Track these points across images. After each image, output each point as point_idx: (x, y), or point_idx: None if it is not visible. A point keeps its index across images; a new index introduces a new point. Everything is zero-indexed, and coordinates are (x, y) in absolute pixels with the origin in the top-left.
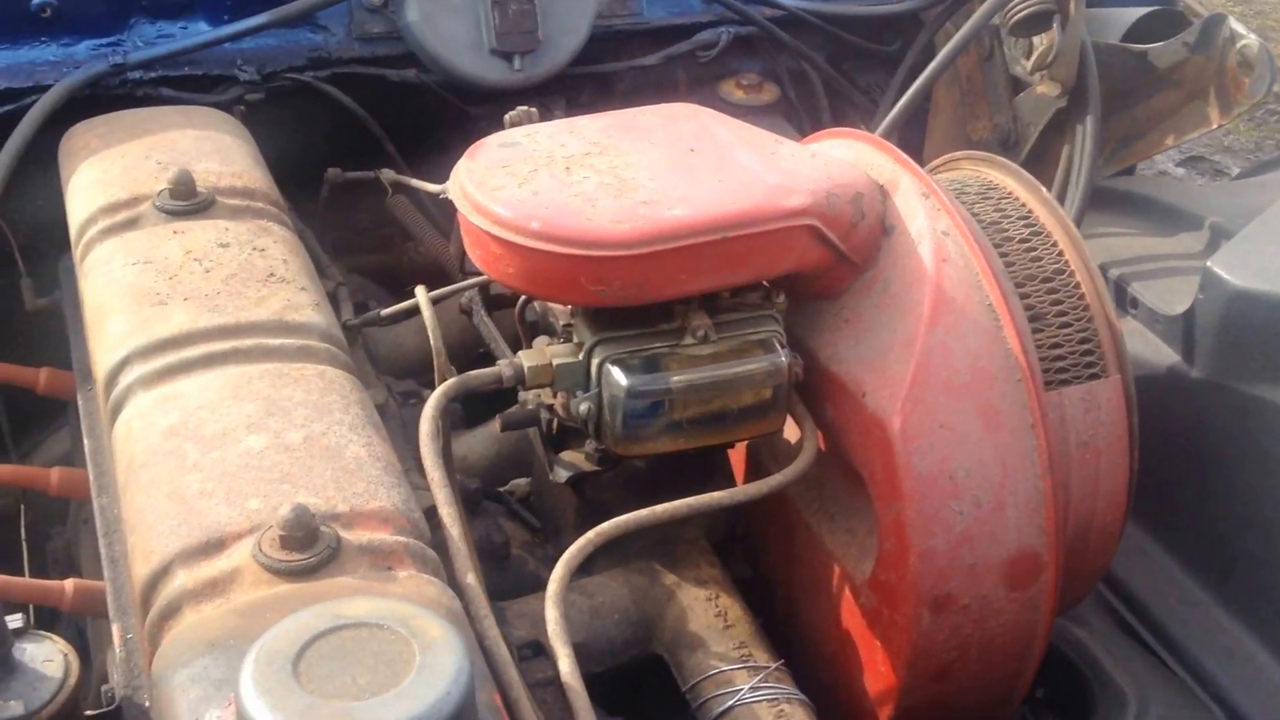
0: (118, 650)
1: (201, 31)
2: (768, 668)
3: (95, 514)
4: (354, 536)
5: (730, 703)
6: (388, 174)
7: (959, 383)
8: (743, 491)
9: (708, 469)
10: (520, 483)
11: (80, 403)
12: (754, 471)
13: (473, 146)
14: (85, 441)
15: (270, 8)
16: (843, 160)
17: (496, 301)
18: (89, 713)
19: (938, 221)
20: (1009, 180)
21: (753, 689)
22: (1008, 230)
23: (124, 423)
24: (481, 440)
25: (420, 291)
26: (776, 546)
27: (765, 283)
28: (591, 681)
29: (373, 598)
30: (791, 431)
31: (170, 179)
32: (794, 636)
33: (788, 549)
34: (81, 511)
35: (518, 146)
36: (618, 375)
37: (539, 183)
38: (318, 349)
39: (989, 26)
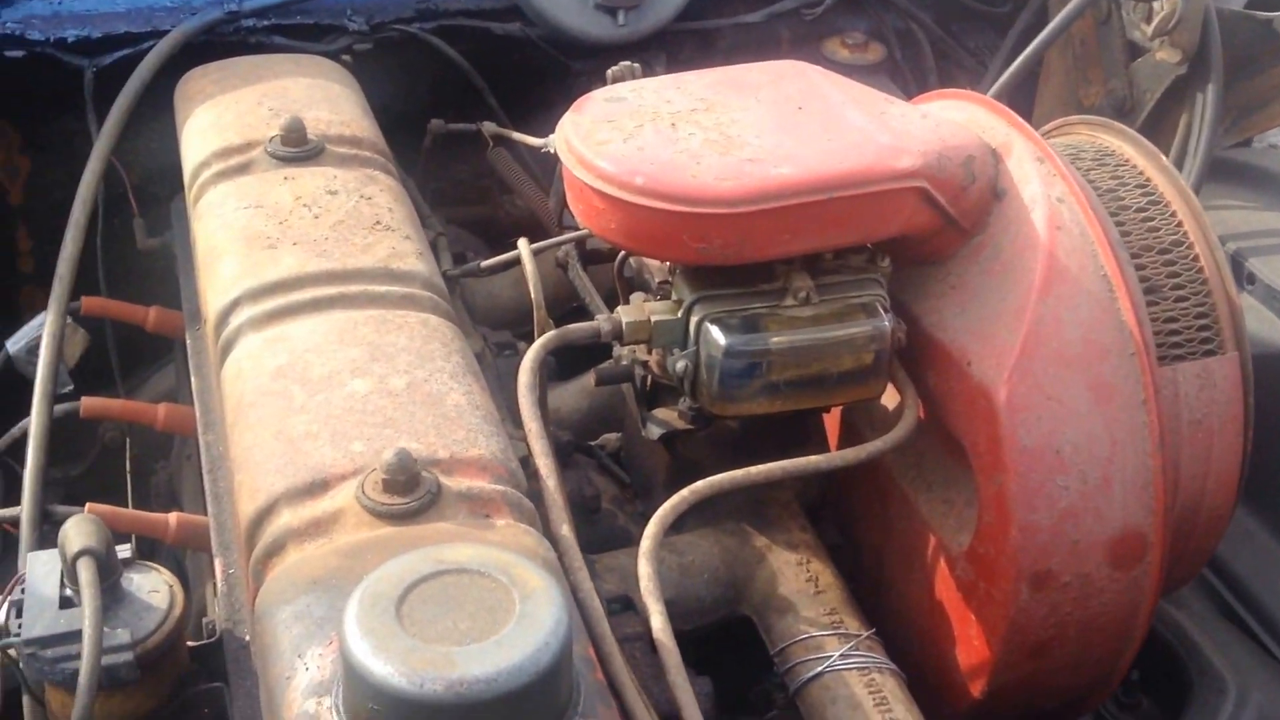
0: (219, 584)
1: None
2: (859, 636)
3: (201, 450)
4: (453, 483)
5: (820, 669)
6: (489, 127)
7: (1069, 354)
8: (840, 457)
9: (802, 432)
10: (611, 438)
11: (189, 342)
12: (849, 437)
13: (578, 101)
14: (192, 380)
15: None
16: (954, 122)
17: (592, 257)
18: (190, 644)
19: (1052, 187)
20: (1126, 147)
21: (843, 656)
22: (1124, 199)
23: (234, 362)
24: (574, 394)
25: (522, 244)
26: (869, 514)
27: (870, 245)
28: (678, 640)
29: (474, 545)
30: (890, 398)
31: (282, 126)
32: (884, 606)
33: (881, 517)
34: (185, 447)
35: (623, 102)
36: (716, 334)
37: (644, 138)
38: (421, 297)
39: None
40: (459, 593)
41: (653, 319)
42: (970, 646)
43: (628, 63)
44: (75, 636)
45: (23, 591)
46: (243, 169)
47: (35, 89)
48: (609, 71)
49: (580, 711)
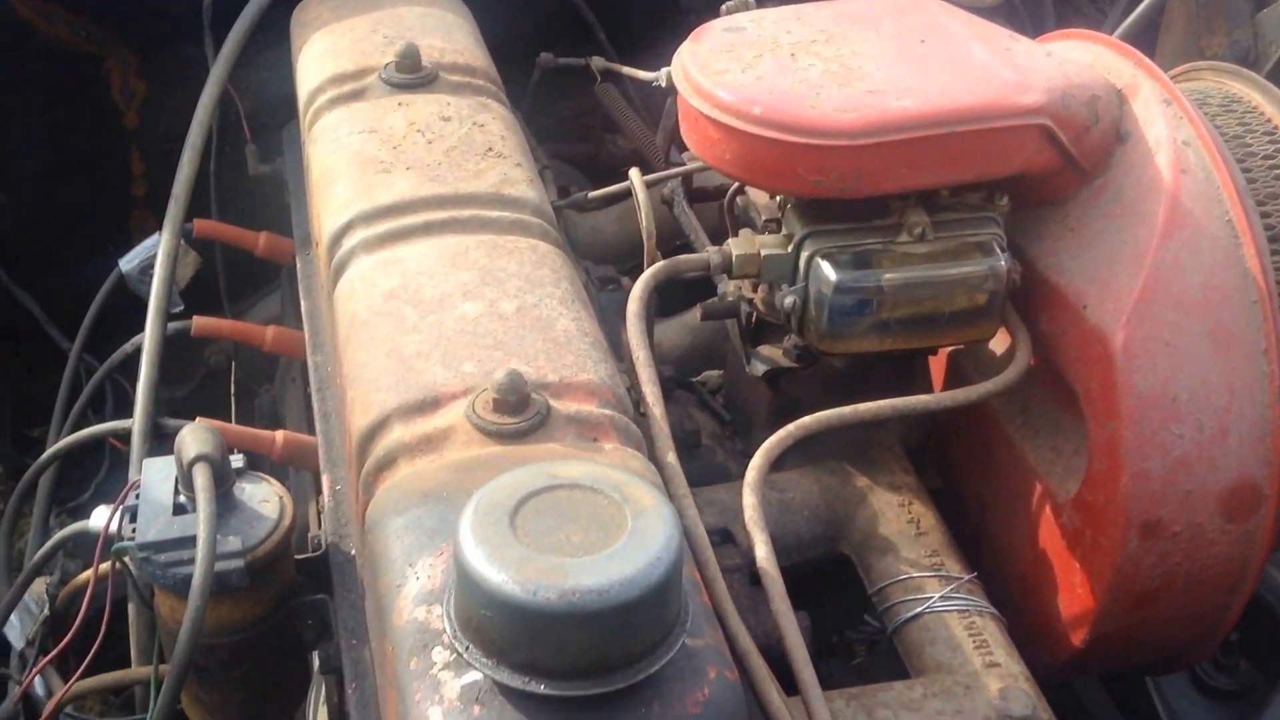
0: (326, 500)
1: None
2: (960, 579)
3: (310, 371)
4: (562, 406)
5: (919, 609)
6: (598, 62)
7: (1190, 300)
8: (949, 397)
9: (908, 373)
10: (712, 375)
11: (299, 266)
12: (955, 379)
13: (696, 30)
14: (302, 303)
15: None
16: (1079, 61)
17: (698, 195)
18: (297, 557)
19: (1178, 130)
20: (1254, 94)
21: (943, 598)
22: (1251, 145)
23: (347, 282)
24: (676, 330)
25: (634, 173)
26: (972, 461)
27: (988, 183)
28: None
29: (586, 462)
30: (998, 342)
31: (397, 53)
32: (984, 553)
33: (985, 464)
34: (289, 370)
35: (743, 32)
36: (827, 270)
37: (763, 68)
38: (531, 223)
39: None
40: (572, 507)
41: (763, 252)
42: (1073, 595)
43: None
44: (189, 542)
45: (137, 498)
46: (357, 95)
47: (154, 13)
48: (724, 6)
49: (688, 630)
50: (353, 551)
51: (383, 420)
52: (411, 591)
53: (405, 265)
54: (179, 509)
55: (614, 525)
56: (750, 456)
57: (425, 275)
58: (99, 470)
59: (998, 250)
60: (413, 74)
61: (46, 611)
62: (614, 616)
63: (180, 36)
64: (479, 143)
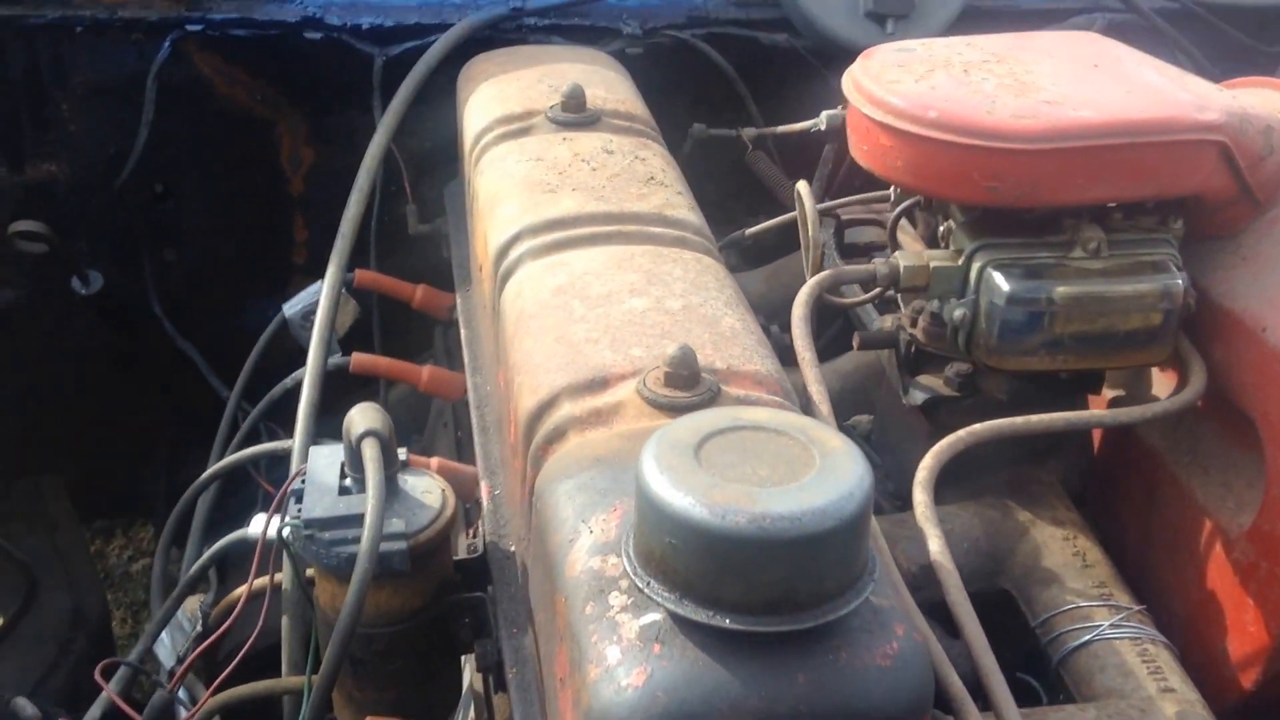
0: (485, 504)
1: None
2: (1130, 609)
3: (470, 391)
4: (731, 391)
5: (1088, 638)
6: (749, 131)
7: None
8: (1124, 413)
9: (1070, 408)
10: (862, 420)
11: (459, 301)
12: (1110, 432)
13: (866, 51)
14: (463, 331)
15: None
16: (1252, 95)
17: (848, 250)
18: (457, 558)
19: None
20: None
21: (1114, 625)
22: None
23: (514, 284)
24: (826, 375)
25: (801, 186)
26: (1134, 502)
27: (1162, 204)
28: (933, 609)
29: (770, 409)
30: (1161, 385)
31: (563, 94)
32: (1147, 595)
33: (1147, 505)
34: (441, 415)
35: (913, 52)
36: (999, 280)
37: (936, 80)
38: (693, 241)
39: None
40: (757, 445)
41: (932, 265)
42: (1245, 634)
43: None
44: (354, 520)
45: (303, 481)
46: (524, 131)
47: (326, 79)
48: (824, 114)
49: (876, 579)
50: (513, 549)
51: (552, 398)
52: (585, 545)
53: (572, 267)
54: (344, 491)
55: (802, 463)
56: (903, 499)
57: (592, 275)
58: (253, 505)
59: (1174, 269)
60: (577, 113)
61: (199, 628)
62: (805, 547)
63: (349, 105)
64: (641, 172)
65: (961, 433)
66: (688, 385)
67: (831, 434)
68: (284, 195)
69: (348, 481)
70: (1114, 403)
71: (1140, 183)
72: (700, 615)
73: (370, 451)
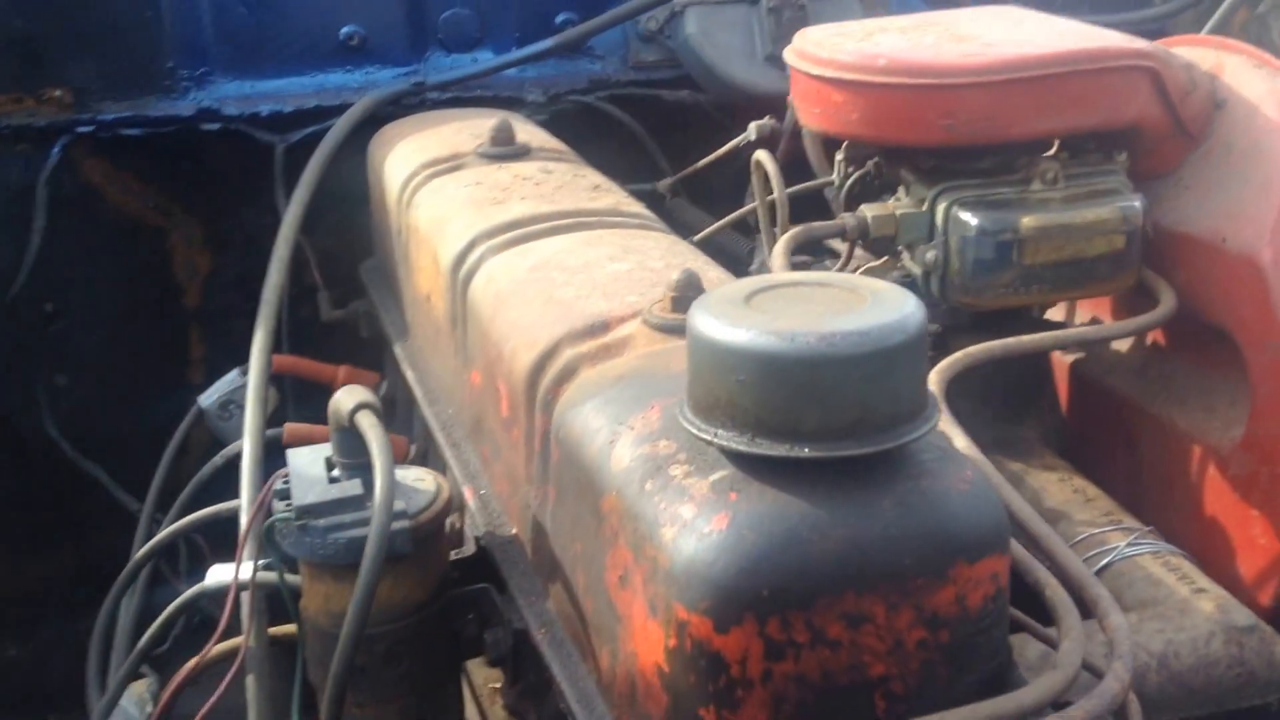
0: (473, 506)
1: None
2: (1143, 529)
3: (429, 421)
4: None
5: (1108, 560)
6: (664, 183)
7: None
8: (1110, 329)
9: (1038, 383)
10: None
11: (398, 350)
12: (1080, 389)
13: (796, 34)
14: (409, 373)
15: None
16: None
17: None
18: (452, 557)
19: (1275, 81)
20: None
21: (1131, 544)
22: None
23: (483, 274)
24: None
25: (761, 154)
26: (1115, 449)
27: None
28: None
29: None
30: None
31: (492, 128)
32: None
33: (1130, 449)
34: None
35: (845, 27)
36: (966, 217)
37: (878, 39)
38: (657, 226)
39: None
40: (806, 294)
41: (898, 212)
42: (1256, 548)
43: (769, 119)
44: (351, 504)
45: (285, 482)
46: (455, 168)
47: (222, 179)
48: (752, 124)
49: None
50: (513, 531)
51: (553, 346)
52: (628, 440)
53: (542, 250)
54: (334, 482)
55: (854, 301)
56: None
57: (565, 253)
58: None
59: (1129, 193)
60: (507, 146)
61: (150, 708)
62: (877, 362)
63: (246, 203)
64: (586, 184)
65: (958, 354)
66: None
67: (880, 283)
68: (179, 308)
69: (336, 472)
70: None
71: (1084, 112)
72: (778, 449)
73: (368, 421)
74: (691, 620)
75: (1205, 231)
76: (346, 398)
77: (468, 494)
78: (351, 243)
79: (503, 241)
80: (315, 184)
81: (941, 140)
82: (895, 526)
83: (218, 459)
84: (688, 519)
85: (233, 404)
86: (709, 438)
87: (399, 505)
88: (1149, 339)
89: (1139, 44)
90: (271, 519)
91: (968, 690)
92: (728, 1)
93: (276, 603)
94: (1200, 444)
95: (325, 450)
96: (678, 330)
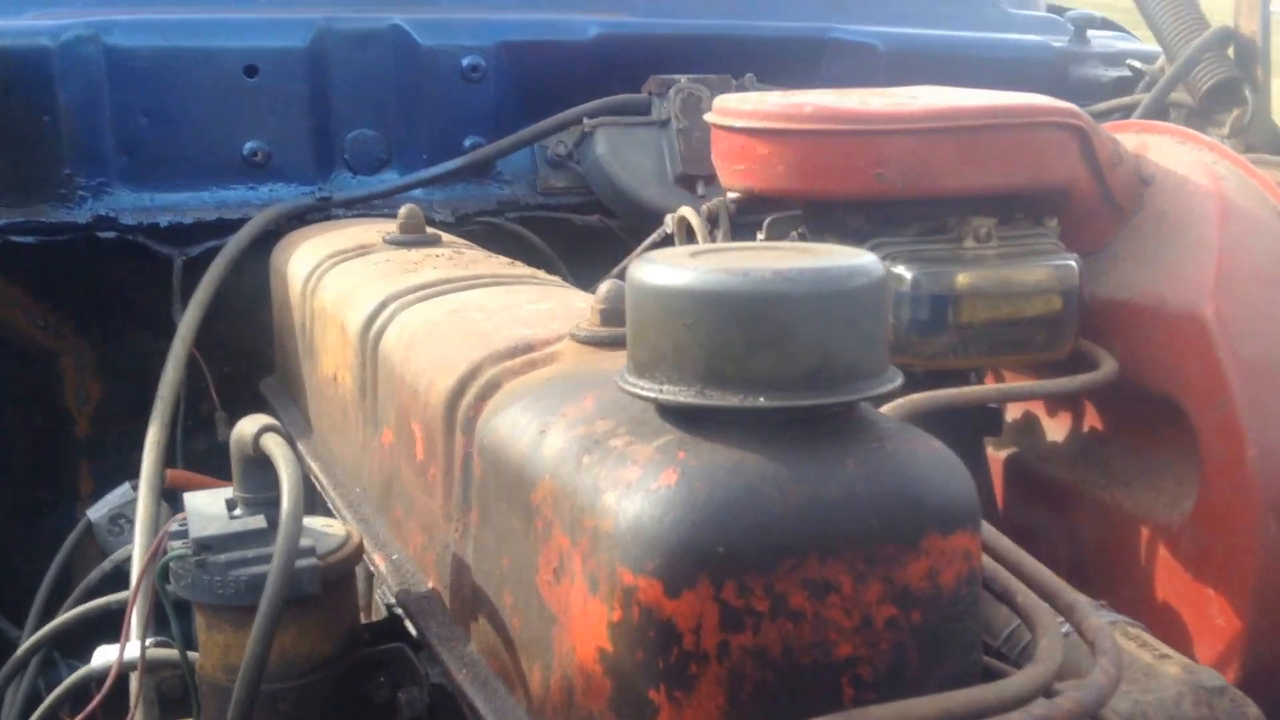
0: (384, 570)
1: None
2: (1095, 601)
3: (334, 503)
4: None
5: (1064, 630)
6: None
7: (1267, 277)
8: (1055, 385)
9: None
10: None
11: (300, 447)
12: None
13: (716, 99)
14: (313, 465)
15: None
16: None
17: None
18: (364, 622)
19: (1201, 154)
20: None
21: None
22: None
23: (395, 326)
24: None
25: (687, 210)
26: (1055, 535)
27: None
28: None
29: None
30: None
31: (402, 214)
32: None
33: (1072, 535)
34: None
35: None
36: (901, 271)
37: (803, 95)
38: (572, 290)
39: None
40: (757, 251)
41: None
42: (1213, 629)
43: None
44: (254, 538)
45: (181, 524)
46: (363, 254)
47: (117, 299)
48: (668, 216)
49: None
50: (429, 585)
51: (474, 368)
52: (561, 426)
53: (459, 299)
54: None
55: (810, 252)
56: None
57: (484, 299)
58: None
59: (1065, 252)
60: (417, 233)
61: None
62: (838, 302)
63: (142, 326)
64: (499, 261)
65: (901, 401)
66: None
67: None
68: (69, 441)
69: (238, 511)
70: (1018, 433)
71: (1014, 167)
72: (731, 399)
73: (274, 442)
74: (639, 584)
75: (1143, 296)
76: (250, 423)
77: (379, 561)
78: (252, 360)
79: (416, 298)
80: (213, 294)
81: (872, 191)
82: (861, 486)
83: (106, 564)
84: (632, 480)
85: (123, 518)
86: (653, 394)
87: (307, 543)
88: (1086, 424)
89: (1068, 105)
90: (165, 558)
91: (941, 686)
92: (637, 124)
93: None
94: (1148, 523)
95: (226, 492)
96: (610, 342)
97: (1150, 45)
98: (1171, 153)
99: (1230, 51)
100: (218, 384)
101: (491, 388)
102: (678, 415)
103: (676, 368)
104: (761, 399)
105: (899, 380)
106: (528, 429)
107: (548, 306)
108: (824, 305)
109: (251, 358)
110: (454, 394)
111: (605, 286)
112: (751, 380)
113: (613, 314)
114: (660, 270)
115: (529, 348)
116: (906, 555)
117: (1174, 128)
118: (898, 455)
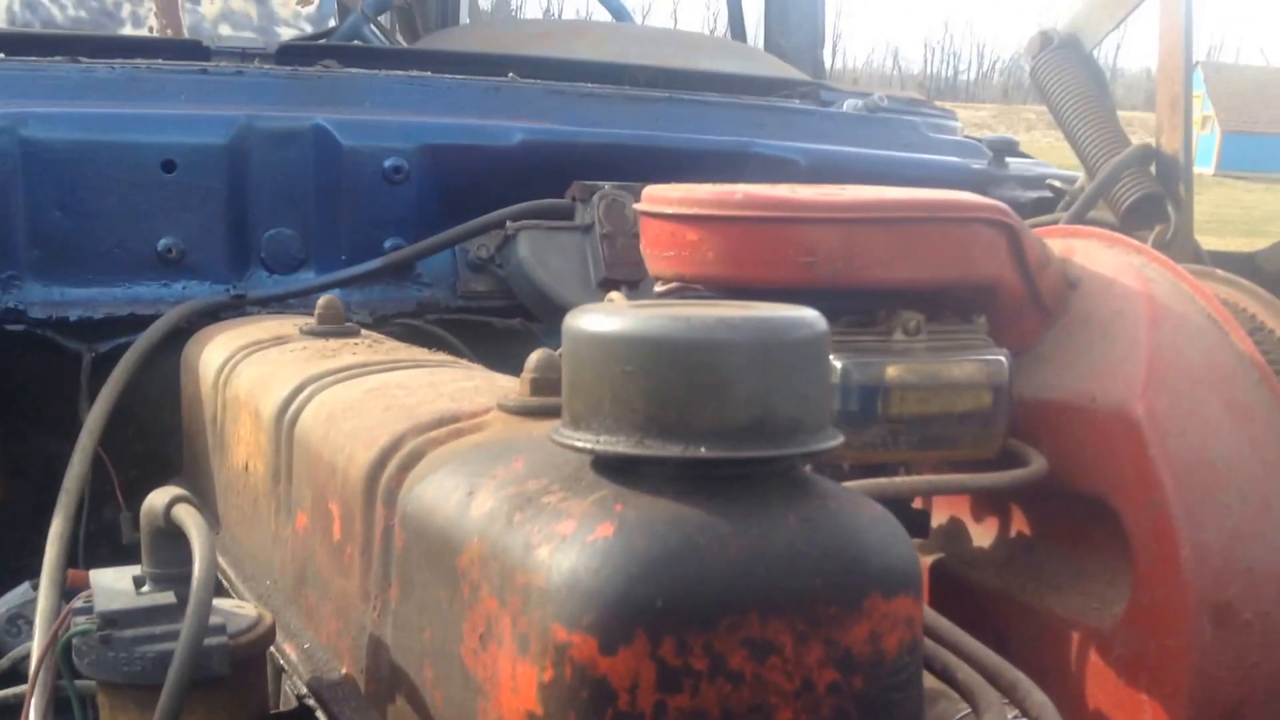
0: (295, 659)
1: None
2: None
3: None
4: None
5: None
6: None
7: (1198, 375)
8: (988, 478)
9: None
10: None
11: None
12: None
13: (645, 189)
14: (220, 560)
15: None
16: None
17: None
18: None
19: (1129, 256)
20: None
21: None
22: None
23: (312, 408)
24: None
25: (616, 295)
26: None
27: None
28: None
29: None
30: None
31: (320, 305)
32: None
33: (1000, 641)
34: None
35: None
36: (830, 361)
37: (734, 188)
38: (500, 375)
39: None
40: (699, 303)
41: None
42: None
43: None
44: (163, 614)
45: (86, 601)
46: (279, 344)
47: (22, 387)
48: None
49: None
50: (343, 670)
51: (396, 440)
52: (490, 488)
53: (379, 379)
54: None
55: (750, 307)
56: None
57: (405, 378)
58: None
59: (994, 347)
60: (335, 324)
61: None
62: (780, 352)
63: (46, 428)
64: (419, 351)
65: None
66: (559, 389)
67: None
68: None
69: (146, 588)
70: (944, 538)
71: (943, 261)
72: (671, 450)
73: (186, 513)
74: (573, 640)
75: (1072, 395)
76: (161, 495)
77: (289, 651)
78: (159, 463)
79: (335, 380)
80: (122, 389)
81: (801, 279)
82: (803, 544)
83: (4, 662)
84: (567, 533)
85: (21, 618)
86: (590, 445)
87: (218, 620)
88: (1014, 528)
89: (998, 203)
90: (69, 634)
91: None
92: (561, 228)
93: None
94: (1078, 628)
95: (134, 570)
96: (541, 411)
97: (1071, 169)
98: (1099, 256)
99: (1152, 168)
100: (123, 486)
101: (415, 457)
102: (615, 471)
103: (615, 418)
104: (703, 449)
105: (840, 438)
106: (454, 492)
107: (473, 384)
108: (767, 354)
109: (158, 460)
110: (375, 466)
111: (536, 355)
112: (692, 430)
113: (544, 383)
114: (599, 318)
115: (455, 418)
116: (848, 617)
117: (1101, 231)
118: (840, 515)
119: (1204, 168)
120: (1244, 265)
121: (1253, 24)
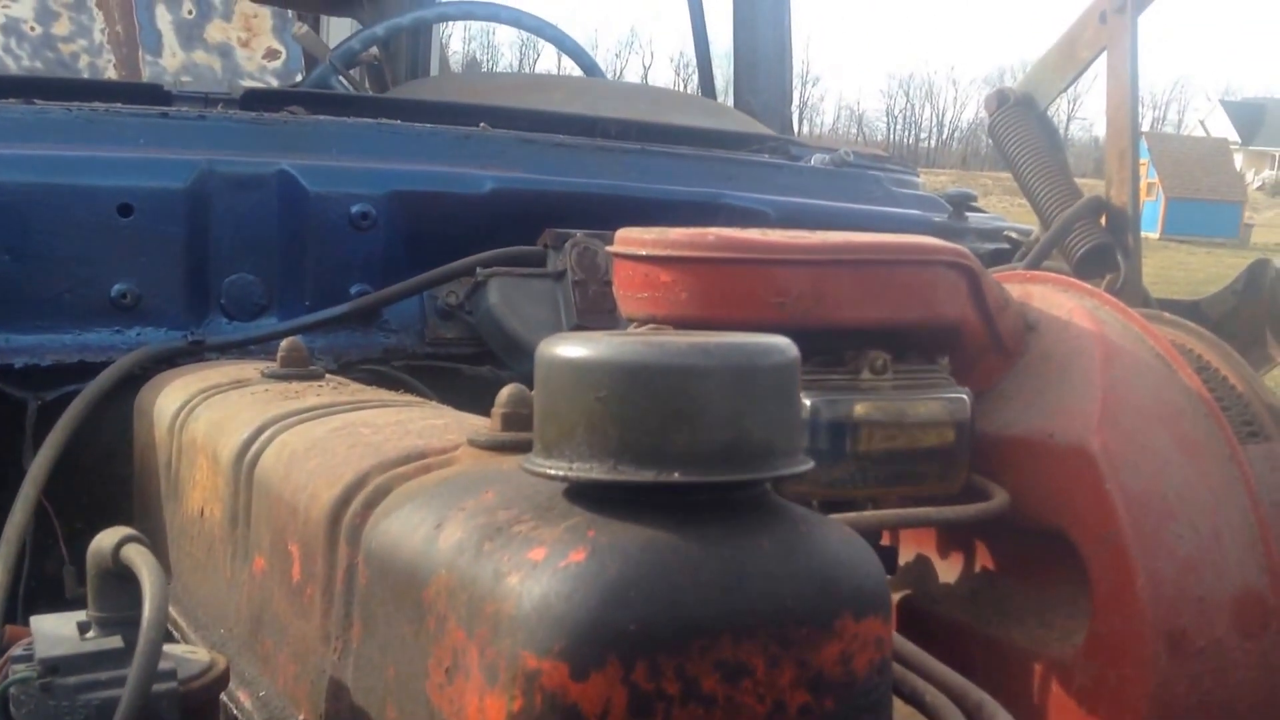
0: (250, 707)
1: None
2: None
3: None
4: None
5: None
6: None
7: (1149, 411)
8: (952, 512)
9: None
10: None
11: None
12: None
13: (618, 232)
14: (172, 610)
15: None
16: None
17: None
18: None
19: (1083, 300)
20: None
21: None
22: None
23: (274, 448)
24: None
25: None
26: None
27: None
28: None
29: None
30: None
31: (284, 347)
32: None
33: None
34: None
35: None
36: (800, 399)
37: (707, 230)
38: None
39: None
40: (672, 331)
41: None
42: None
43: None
44: (107, 659)
45: (27, 648)
46: (239, 387)
47: None
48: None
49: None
50: (300, 718)
51: (361, 477)
52: (459, 519)
53: (346, 418)
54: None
55: (724, 335)
56: None
57: (371, 416)
58: None
59: (956, 386)
60: (300, 367)
61: None
62: (753, 377)
63: None
64: (385, 393)
65: None
66: (529, 424)
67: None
68: None
69: (91, 633)
70: (911, 575)
71: (908, 302)
72: (644, 474)
73: (137, 550)
74: (543, 668)
75: (1030, 431)
76: (110, 535)
77: (244, 699)
78: (108, 515)
79: (298, 420)
80: (69, 436)
81: (773, 319)
82: (775, 566)
83: None
84: (538, 560)
85: None
86: (563, 472)
87: (168, 665)
88: (978, 563)
89: (958, 246)
90: (7, 682)
91: None
92: (533, 274)
93: None
94: (1040, 658)
95: (78, 615)
96: (512, 446)
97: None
98: (1054, 300)
99: (1103, 220)
100: (67, 538)
101: (380, 493)
102: (588, 498)
103: (588, 444)
104: (677, 474)
105: (810, 463)
106: (421, 525)
107: (443, 422)
108: (739, 379)
109: (107, 511)
110: (338, 503)
111: (507, 390)
112: (666, 455)
113: (515, 418)
114: (573, 345)
115: (423, 455)
116: (820, 638)
117: (1057, 276)
118: (811, 537)
119: (1150, 232)
120: (1189, 311)
121: (1194, 98)
